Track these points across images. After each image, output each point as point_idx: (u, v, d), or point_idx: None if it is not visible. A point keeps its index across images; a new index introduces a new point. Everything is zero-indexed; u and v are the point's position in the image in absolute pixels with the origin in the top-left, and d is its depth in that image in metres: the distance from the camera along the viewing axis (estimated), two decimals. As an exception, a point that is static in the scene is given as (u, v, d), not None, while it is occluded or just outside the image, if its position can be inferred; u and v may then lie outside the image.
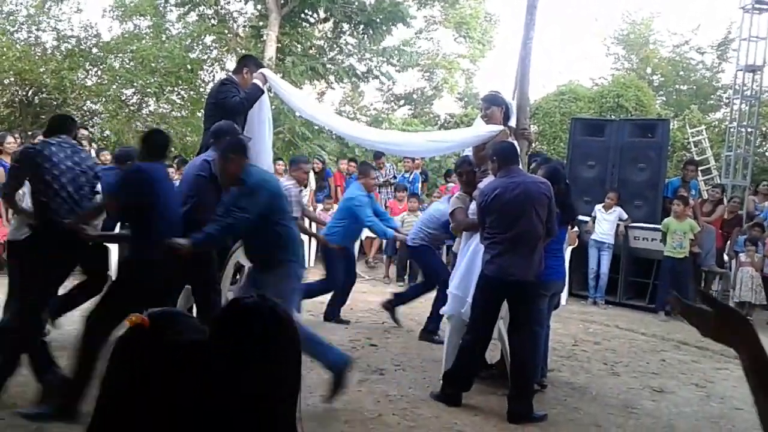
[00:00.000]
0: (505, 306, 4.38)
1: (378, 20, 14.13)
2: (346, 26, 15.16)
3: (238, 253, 4.89)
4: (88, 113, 14.78)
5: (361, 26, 14.45)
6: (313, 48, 15.50)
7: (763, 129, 16.17)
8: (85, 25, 14.22)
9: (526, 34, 5.21)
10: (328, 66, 15.11)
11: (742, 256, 8.61)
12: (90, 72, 14.01)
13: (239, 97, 5.06)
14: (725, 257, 9.32)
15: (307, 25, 15.51)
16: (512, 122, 5.16)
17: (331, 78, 15.64)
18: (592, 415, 4.41)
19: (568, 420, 4.29)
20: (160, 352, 1.32)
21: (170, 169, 8.44)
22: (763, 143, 17.15)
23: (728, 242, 9.21)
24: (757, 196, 10.47)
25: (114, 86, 13.54)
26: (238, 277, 5.10)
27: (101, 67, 13.76)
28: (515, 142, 4.79)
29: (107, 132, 14.09)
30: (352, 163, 11.30)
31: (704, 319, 1.38)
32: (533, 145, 10.74)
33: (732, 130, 12.41)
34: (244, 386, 1.34)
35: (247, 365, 1.35)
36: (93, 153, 9.52)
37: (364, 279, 7.71)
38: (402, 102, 23.13)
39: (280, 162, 10.54)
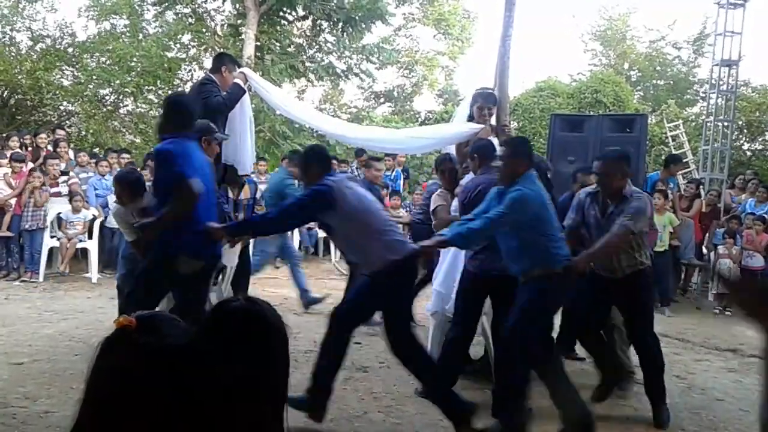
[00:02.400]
0: (488, 301, 4.39)
1: (357, 18, 14.10)
2: (325, 24, 15.11)
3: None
4: (64, 113, 14.59)
5: (340, 24, 14.40)
6: (292, 46, 15.43)
7: (740, 123, 16.38)
8: (60, 24, 14.04)
9: (505, 31, 5.24)
10: (308, 64, 15.06)
11: (721, 249, 8.73)
12: (66, 72, 13.82)
13: (221, 96, 5.02)
14: (704, 250, 9.43)
15: (286, 23, 15.44)
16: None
17: (311, 76, 15.59)
18: (575, 409, 4.43)
19: (552, 414, 4.31)
20: (145, 354, 1.31)
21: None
22: (740, 137, 17.36)
23: (707, 235, 9.32)
24: (734, 190, 10.61)
25: (91, 86, 13.38)
26: (219, 278, 5.06)
27: (77, 66, 13.58)
28: (496, 140, 4.81)
29: (84, 132, 13.93)
30: (334, 161, 11.23)
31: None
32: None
33: (709, 124, 12.55)
34: (231, 388, 1.33)
35: (235, 367, 1.34)
36: (71, 154, 9.41)
37: (343, 275, 7.67)
38: (382, 99, 23.13)
39: (262, 162, 10.50)
